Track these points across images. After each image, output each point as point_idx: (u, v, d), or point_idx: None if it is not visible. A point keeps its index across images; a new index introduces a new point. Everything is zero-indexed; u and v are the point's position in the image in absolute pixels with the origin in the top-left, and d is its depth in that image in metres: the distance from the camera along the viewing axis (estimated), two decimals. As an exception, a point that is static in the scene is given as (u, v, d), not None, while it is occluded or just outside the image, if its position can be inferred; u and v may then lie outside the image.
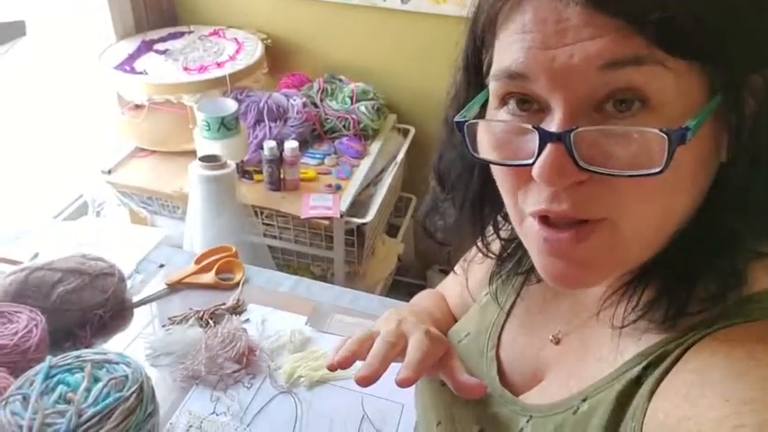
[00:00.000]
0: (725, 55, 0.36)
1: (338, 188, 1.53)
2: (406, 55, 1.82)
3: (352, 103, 1.73)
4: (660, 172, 0.35)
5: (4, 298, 0.93)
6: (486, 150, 0.43)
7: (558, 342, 0.54)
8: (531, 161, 0.38)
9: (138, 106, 1.71)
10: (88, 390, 0.74)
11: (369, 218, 1.48)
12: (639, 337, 0.44)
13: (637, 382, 0.41)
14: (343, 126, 1.70)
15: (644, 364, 0.42)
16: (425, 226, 0.60)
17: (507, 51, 0.39)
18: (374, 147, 1.70)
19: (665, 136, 0.34)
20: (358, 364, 0.55)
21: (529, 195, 0.41)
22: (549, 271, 0.43)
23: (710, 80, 0.36)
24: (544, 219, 0.41)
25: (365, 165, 1.63)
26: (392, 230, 1.90)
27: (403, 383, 0.51)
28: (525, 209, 0.42)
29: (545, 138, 0.37)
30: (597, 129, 0.36)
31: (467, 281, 0.67)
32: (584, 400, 0.45)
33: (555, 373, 0.53)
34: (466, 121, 0.42)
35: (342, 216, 1.44)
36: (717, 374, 0.37)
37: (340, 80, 1.82)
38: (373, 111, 1.73)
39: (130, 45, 1.73)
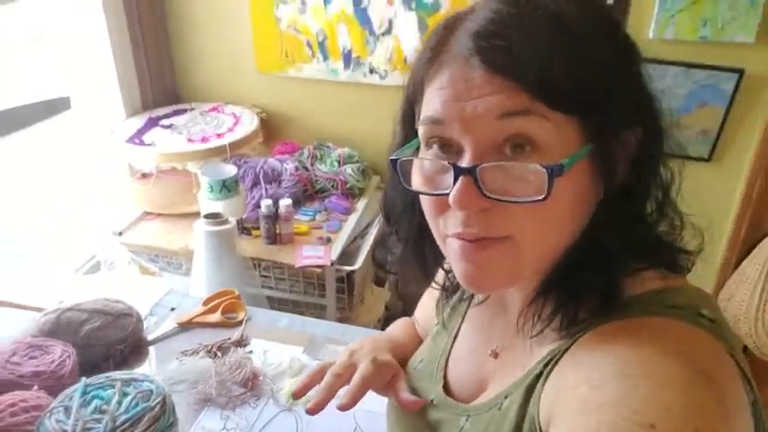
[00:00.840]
0: (594, 113, 0.46)
1: (329, 240, 1.69)
2: (387, 123, 2.01)
3: (339, 166, 1.92)
4: (544, 199, 0.44)
5: (40, 334, 1.06)
6: (416, 184, 0.52)
7: (496, 356, 0.64)
8: (448, 191, 0.47)
9: (145, 175, 1.89)
10: (119, 402, 0.87)
11: (357, 265, 1.63)
12: (546, 343, 0.53)
13: (539, 377, 0.52)
14: (332, 186, 1.89)
15: (544, 362, 0.52)
16: (375, 257, 0.73)
17: (430, 103, 0.49)
18: (360, 204, 1.88)
19: (545, 170, 0.44)
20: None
21: (448, 221, 0.51)
22: (464, 275, 0.51)
23: (584, 131, 0.46)
24: (461, 237, 0.50)
25: (352, 219, 1.80)
26: (379, 281, 2.04)
27: (342, 408, 0.65)
28: (446, 231, 0.51)
29: (458, 172, 0.46)
30: (496, 164, 0.46)
31: (419, 309, 0.80)
32: (506, 397, 0.56)
33: (493, 385, 0.62)
34: (398, 159, 0.52)
35: (333, 264, 1.59)
36: (582, 354, 0.48)
37: (328, 146, 2.02)
38: (359, 172, 1.93)
39: (139, 121, 1.93)
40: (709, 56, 1.70)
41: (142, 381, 0.92)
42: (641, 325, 0.48)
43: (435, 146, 0.50)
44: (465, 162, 0.47)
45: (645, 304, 0.50)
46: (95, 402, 0.87)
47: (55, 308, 1.12)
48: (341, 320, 1.72)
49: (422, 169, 0.51)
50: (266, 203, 1.63)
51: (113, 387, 0.90)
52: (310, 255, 1.61)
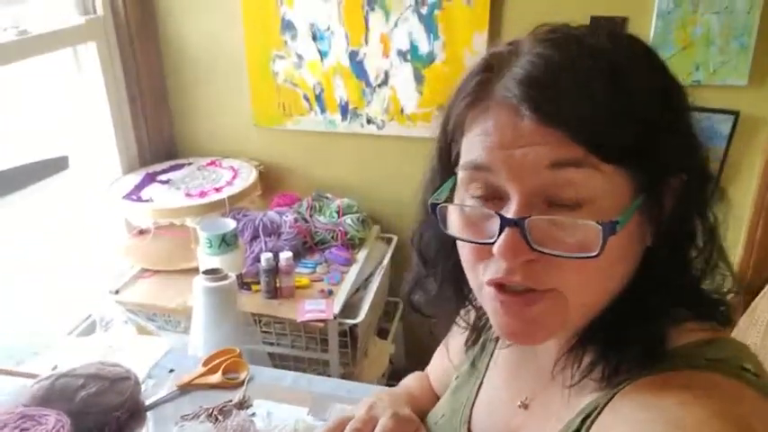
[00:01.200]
0: (646, 164, 0.45)
1: (330, 293, 1.65)
2: (385, 172, 2.03)
3: (338, 217, 1.91)
4: (596, 256, 0.43)
5: (32, 402, 1.01)
6: (454, 229, 0.51)
7: (526, 407, 0.61)
8: (492, 240, 0.46)
9: (142, 231, 1.87)
10: (117, 476, 0.82)
11: (360, 318, 1.59)
12: (584, 395, 0.51)
13: None
14: (332, 237, 1.86)
15: (582, 416, 0.50)
16: (410, 300, 0.67)
17: (473, 148, 0.48)
18: (361, 254, 1.86)
19: (600, 227, 0.43)
20: None
21: (488, 267, 0.49)
22: (504, 328, 0.51)
23: (636, 182, 0.46)
24: (500, 286, 0.49)
25: (354, 271, 1.77)
26: (383, 333, 2.00)
27: None
28: (484, 278, 0.50)
29: (505, 223, 0.45)
30: (547, 218, 0.45)
31: (448, 352, 0.76)
32: None
33: None
34: (438, 204, 0.52)
35: (335, 318, 1.55)
36: (626, 410, 0.46)
37: (327, 197, 2.01)
38: (358, 222, 1.91)
39: (136, 177, 1.91)
40: (703, 99, 1.72)
41: (141, 451, 0.87)
42: (685, 380, 0.46)
43: (477, 191, 0.49)
44: (511, 212, 0.45)
45: (688, 357, 0.48)
46: (91, 478, 0.82)
47: (48, 374, 1.07)
48: (345, 376, 1.66)
49: (462, 214, 0.50)
50: (266, 257, 1.60)
51: (110, 459, 0.85)
52: (312, 309, 1.57)
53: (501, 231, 0.45)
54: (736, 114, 1.71)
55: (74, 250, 1.74)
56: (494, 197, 0.48)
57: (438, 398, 0.81)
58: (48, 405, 1.01)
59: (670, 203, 0.48)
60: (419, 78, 1.86)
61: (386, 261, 1.89)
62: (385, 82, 1.90)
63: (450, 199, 0.53)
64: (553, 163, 0.44)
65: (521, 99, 0.45)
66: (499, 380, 0.67)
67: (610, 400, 0.48)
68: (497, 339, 0.69)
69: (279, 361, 1.67)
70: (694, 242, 0.50)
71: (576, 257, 0.44)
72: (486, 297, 0.52)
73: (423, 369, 2.24)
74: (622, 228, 0.43)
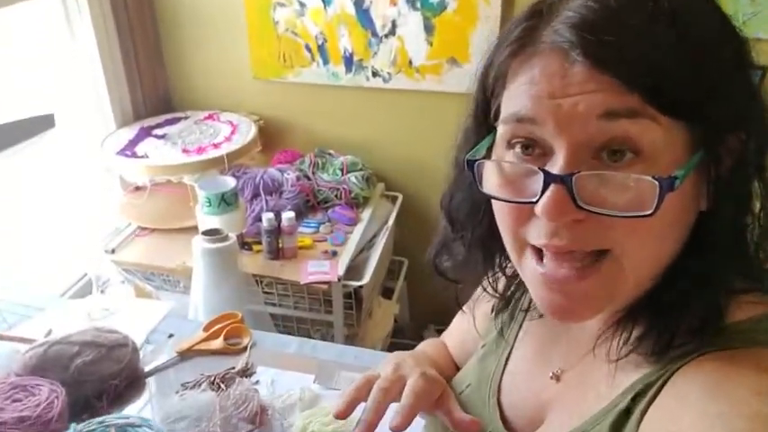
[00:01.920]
0: (707, 116, 0.41)
1: (334, 254, 1.60)
2: (391, 128, 1.94)
3: (342, 175, 1.83)
4: (651, 215, 0.39)
5: (24, 372, 0.96)
6: (491, 189, 0.46)
7: (558, 379, 0.57)
8: (534, 199, 0.42)
9: (138, 188, 1.80)
10: (114, 452, 0.78)
11: (365, 280, 1.54)
12: (631, 371, 0.47)
13: (627, 413, 0.45)
14: (335, 196, 1.80)
15: (632, 395, 0.45)
16: (436, 264, 0.62)
17: (516, 99, 0.44)
18: (365, 214, 1.79)
19: (657, 183, 0.39)
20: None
21: (529, 231, 0.45)
22: (547, 305, 0.46)
23: (694, 137, 0.41)
24: (541, 255, 0.45)
25: (358, 231, 1.71)
26: (387, 293, 1.95)
27: (396, 430, 0.55)
28: (526, 242, 0.46)
29: (549, 179, 0.41)
30: (597, 173, 0.41)
31: (474, 319, 0.70)
32: None
33: (556, 413, 0.55)
34: (476, 160, 0.47)
35: (339, 280, 1.50)
36: (694, 396, 0.41)
37: (330, 154, 1.93)
38: (363, 180, 1.84)
39: (130, 132, 1.83)
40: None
41: (139, 425, 0.83)
42: (755, 360, 0.41)
43: (518, 146, 0.45)
44: (557, 167, 0.41)
45: (751, 333, 0.43)
46: (87, 453, 0.78)
47: (42, 341, 1.02)
48: (349, 337, 1.63)
49: (501, 171, 0.46)
50: (268, 217, 1.53)
51: (107, 434, 0.81)
52: (316, 271, 1.51)
53: (545, 189, 0.41)
54: (763, 69, 1.61)
55: (68, 209, 1.67)
56: (538, 153, 0.44)
57: (457, 366, 0.78)
58: (41, 374, 0.96)
59: (728, 163, 0.43)
60: (429, 28, 1.75)
61: (391, 220, 1.83)
62: (392, 32, 1.78)
63: (485, 158, 0.49)
64: (606, 113, 0.40)
65: (573, 43, 0.40)
66: (530, 350, 0.63)
67: (667, 379, 0.44)
68: (528, 309, 0.65)
69: (282, 322, 1.63)
70: (750, 207, 0.46)
71: (629, 216, 0.40)
72: (526, 267, 0.48)
73: (427, 327, 2.22)
74: (680, 185, 0.39)
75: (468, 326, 0.73)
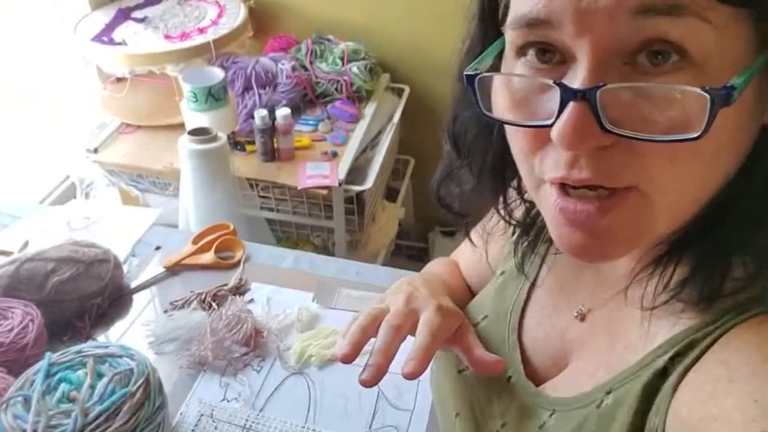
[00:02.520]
0: None
1: (334, 155, 1.47)
2: (398, 10, 1.74)
3: (343, 65, 1.66)
4: (698, 137, 0.31)
5: (-5, 293, 0.88)
6: (500, 109, 0.38)
7: (583, 318, 0.51)
8: (550, 121, 0.33)
9: (119, 80, 1.64)
10: (92, 387, 0.71)
11: (368, 185, 1.43)
12: (670, 322, 0.40)
13: (663, 374, 0.38)
14: (336, 89, 1.64)
15: (671, 353, 0.39)
16: (440, 196, 0.55)
17: None
18: (369, 109, 1.64)
19: (708, 96, 0.30)
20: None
21: (546, 160, 0.37)
22: (567, 243, 0.39)
23: (758, 33, 0.32)
24: (562, 186, 0.37)
25: (360, 129, 1.57)
26: (391, 194, 1.85)
27: (410, 376, 0.47)
28: (542, 175, 0.38)
29: (567, 95, 0.32)
30: (628, 86, 0.32)
31: (486, 253, 0.63)
32: (609, 393, 0.42)
33: (581, 358, 0.49)
34: (478, 74, 0.38)
35: (340, 184, 1.39)
36: (746, 371, 0.34)
37: (329, 40, 1.75)
38: (366, 71, 1.67)
39: (106, 14, 1.64)
40: None
41: (120, 356, 0.76)
42: None
43: (532, 52, 0.36)
44: (578, 81, 0.32)
45: None
46: (62, 387, 0.71)
47: (14, 257, 0.93)
48: (351, 244, 1.55)
49: (510, 88, 0.37)
50: (261, 115, 1.39)
51: (84, 366, 0.74)
52: (315, 174, 1.40)
53: (562, 108, 0.33)
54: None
55: (42, 103, 1.52)
56: (557, 60, 0.35)
57: (471, 291, 0.70)
58: (13, 295, 0.88)
59: None
60: None
61: (397, 116, 1.68)
62: None
63: (495, 70, 0.40)
64: (639, 8, 0.30)
65: None
66: (554, 285, 0.55)
67: (717, 337, 0.37)
68: (551, 240, 0.54)
69: (279, 227, 1.55)
70: None
71: (671, 140, 0.31)
72: (543, 200, 0.40)
73: (433, 229, 2.15)
74: (739, 96, 0.30)
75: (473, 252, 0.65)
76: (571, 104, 0.32)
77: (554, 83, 0.33)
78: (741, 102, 0.32)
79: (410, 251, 2.08)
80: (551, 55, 0.35)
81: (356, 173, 1.48)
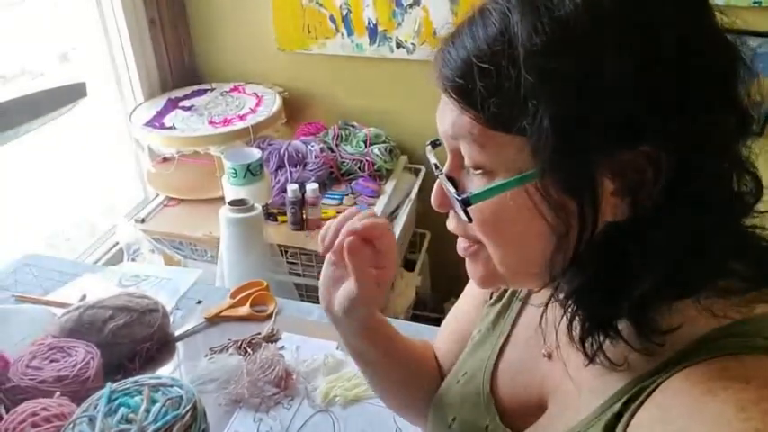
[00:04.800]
0: (540, 133, 0.39)
1: (357, 225, 1.61)
2: (414, 100, 1.93)
3: (365, 147, 1.84)
4: (469, 221, 0.46)
5: (61, 334, 1.01)
6: None
7: (549, 356, 0.57)
8: None
9: (166, 159, 1.83)
10: (147, 410, 0.81)
11: (388, 252, 1.55)
12: (621, 370, 0.46)
13: (618, 417, 0.43)
14: (359, 168, 1.81)
15: (624, 399, 0.44)
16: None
17: None
18: (388, 186, 1.80)
19: (458, 199, 0.45)
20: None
21: None
22: (469, 272, 0.53)
23: (531, 153, 0.41)
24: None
25: (381, 203, 1.72)
26: (409, 265, 1.97)
27: (325, 251, 0.60)
28: None
29: (437, 173, 0.50)
30: (442, 176, 0.49)
31: (442, 333, 0.75)
32: None
33: (555, 403, 0.54)
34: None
35: (362, 251, 1.52)
36: (676, 411, 0.39)
37: (353, 126, 1.94)
38: (386, 153, 1.84)
39: (158, 103, 1.86)
40: (763, 23, 1.57)
41: (171, 386, 0.86)
42: (743, 369, 0.38)
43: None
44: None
45: (742, 336, 0.40)
46: (122, 411, 0.82)
47: (77, 305, 1.06)
48: (371, 308, 1.65)
49: None
50: (292, 188, 1.55)
51: (141, 393, 0.84)
52: (339, 241, 1.53)
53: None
54: (800, 39, 1.56)
55: (97, 180, 1.71)
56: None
57: (440, 374, 0.76)
58: (76, 336, 1.00)
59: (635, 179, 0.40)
60: (453, -2, 1.73)
61: (414, 193, 1.83)
62: (417, 2, 1.77)
63: None
64: (450, 135, 0.47)
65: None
66: (525, 336, 0.62)
67: (658, 385, 0.41)
68: (527, 297, 0.64)
69: (305, 291, 1.66)
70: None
71: (461, 219, 0.47)
72: None
73: (448, 299, 2.23)
74: (484, 200, 0.44)
75: (466, 307, 0.74)
76: (437, 181, 0.50)
77: (436, 166, 0.51)
78: (516, 203, 0.42)
79: (427, 321, 2.16)
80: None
81: (377, 242, 1.61)
